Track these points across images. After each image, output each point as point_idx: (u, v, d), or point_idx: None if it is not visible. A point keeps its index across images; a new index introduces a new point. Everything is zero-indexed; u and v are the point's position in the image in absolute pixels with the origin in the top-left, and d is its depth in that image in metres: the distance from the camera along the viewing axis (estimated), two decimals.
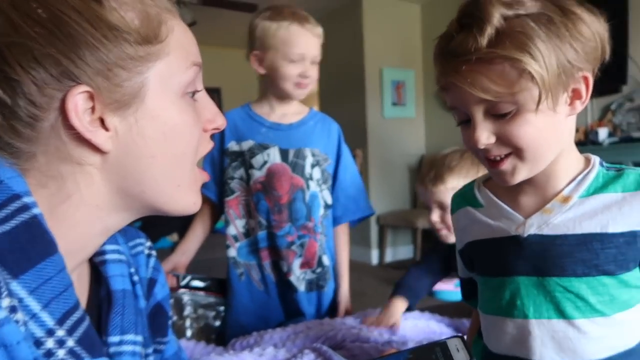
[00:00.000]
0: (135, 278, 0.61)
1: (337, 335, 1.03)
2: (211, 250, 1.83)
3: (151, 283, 0.66)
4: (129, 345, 0.55)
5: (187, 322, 1.39)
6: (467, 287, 0.87)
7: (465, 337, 0.58)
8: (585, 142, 2.90)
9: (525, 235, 0.68)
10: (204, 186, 1.47)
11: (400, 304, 1.24)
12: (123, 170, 0.49)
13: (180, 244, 1.50)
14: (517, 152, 0.64)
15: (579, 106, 0.65)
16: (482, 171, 1.14)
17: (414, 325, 1.21)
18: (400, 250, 4.38)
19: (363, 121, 4.26)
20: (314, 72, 1.32)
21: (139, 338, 0.57)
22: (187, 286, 1.43)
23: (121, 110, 0.48)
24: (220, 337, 1.40)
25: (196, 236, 1.47)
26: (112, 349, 0.54)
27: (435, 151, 4.26)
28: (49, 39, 0.43)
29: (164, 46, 0.50)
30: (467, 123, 0.67)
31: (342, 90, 4.47)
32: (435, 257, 1.33)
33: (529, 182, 0.69)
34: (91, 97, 0.46)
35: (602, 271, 0.64)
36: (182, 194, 0.54)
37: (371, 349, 1.01)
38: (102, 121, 0.47)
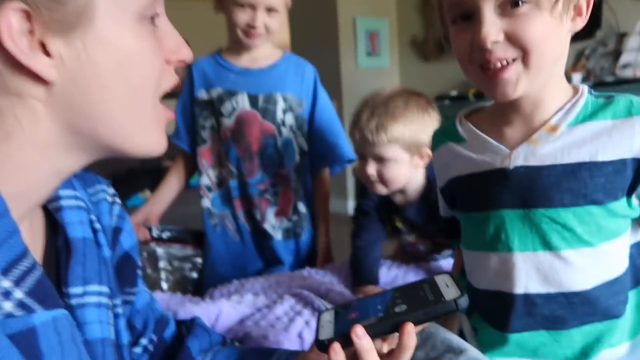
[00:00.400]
0: (97, 226, 0.56)
1: (320, 288, 1.01)
2: (187, 205, 1.78)
3: (116, 232, 0.61)
4: (93, 297, 0.50)
5: (163, 275, 1.36)
6: (449, 227, 0.85)
7: (452, 274, 0.55)
8: None
9: (511, 167, 0.65)
10: (177, 137, 1.40)
11: (370, 288, 1.18)
12: (72, 104, 0.43)
13: (152, 195, 1.44)
14: (524, 55, 0.59)
15: (579, 24, 0.62)
16: (428, 119, 1.08)
17: (394, 275, 1.21)
18: None
19: (337, 72, 4.16)
20: (270, 21, 1.22)
21: (104, 289, 0.52)
22: (160, 238, 1.39)
23: (65, 33, 0.41)
24: (198, 288, 1.38)
25: (169, 187, 1.42)
26: (74, 301, 0.49)
27: None
28: None
29: None
30: (465, 21, 0.61)
31: (315, 40, 4.33)
32: (372, 223, 1.24)
33: (515, 111, 0.66)
34: (28, 16, 0.39)
35: (590, 200, 0.62)
36: (144, 133, 0.49)
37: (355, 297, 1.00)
38: (43, 46, 0.41)
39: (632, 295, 0.67)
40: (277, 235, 1.37)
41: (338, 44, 4.16)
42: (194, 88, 1.34)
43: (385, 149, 1.04)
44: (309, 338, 0.68)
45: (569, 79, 2.99)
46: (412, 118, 1.05)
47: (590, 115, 0.63)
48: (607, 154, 0.61)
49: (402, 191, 1.14)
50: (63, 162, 0.46)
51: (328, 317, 0.52)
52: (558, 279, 0.64)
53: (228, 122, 1.31)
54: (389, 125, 1.03)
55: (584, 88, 0.66)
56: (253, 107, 1.30)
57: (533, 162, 0.64)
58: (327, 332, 0.49)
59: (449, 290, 0.48)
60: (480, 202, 0.70)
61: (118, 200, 0.65)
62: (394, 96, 1.08)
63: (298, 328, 0.70)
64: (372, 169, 1.06)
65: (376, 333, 0.48)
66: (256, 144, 1.32)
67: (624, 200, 0.64)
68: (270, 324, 0.72)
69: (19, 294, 0.39)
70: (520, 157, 0.65)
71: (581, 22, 0.62)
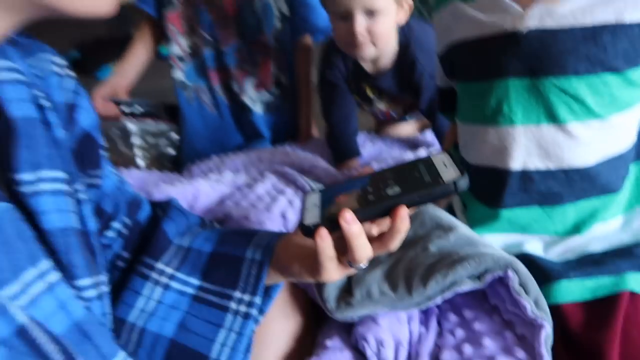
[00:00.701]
0: (45, 103, 0.47)
1: (304, 164, 0.96)
2: (158, 77, 1.64)
3: (71, 109, 0.53)
4: (47, 184, 0.44)
5: (138, 152, 1.29)
6: (446, 98, 0.78)
7: (451, 152, 0.50)
8: None
9: (524, 30, 0.57)
10: (142, 0, 1.24)
11: (354, 162, 1.15)
12: None
13: (117, 66, 1.31)
14: None
15: None
16: None
17: (379, 149, 1.16)
18: None
19: None
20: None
21: (60, 174, 0.46)
22: (131, 114, 1.29)
23: None
24: (176, 166, 1.33)
25: (136, 56, 1.29)
26: (26, 188, 0.42)
27: None
28: None
29: None
30: None
31: None
32: (342, 96, 1.15)
33: None
34: None
35: (607, 67, 0.56)
36: None
37: (340, 175, 0.95)
38: None
39: (632, 168, 0.64)
40: (257, 109, 1.29)
41: None
42: None
43: None
44: (292, 218, 0.65)
45: None
46: None
47: None
48: (635, 13, 0.53)
49: (374, 58, 1.06)
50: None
51: (313, 200, 0.47)
52: (560, 155, 0.60)
53: None
54: None
55: None
56: None
57: (549, 23, 0.56)
58: (312, 217, 0.45)
59: (447, 170, 0.43)
60: (484, 70, 0.63)
61: (70, 72, 0.55)
62: None
63: (281, 207, 0.66)
64: (361, 25, 0.96)
65: (366, 217, 0.43)
66: (231, 8, 1.17)
67: None
68: (252, 203, 0.68)
69: None
70: (536, 18, 0.57)
71: None
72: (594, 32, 0.55)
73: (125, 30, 3.64)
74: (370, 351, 0.53)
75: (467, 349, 0.51)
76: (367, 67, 1.09)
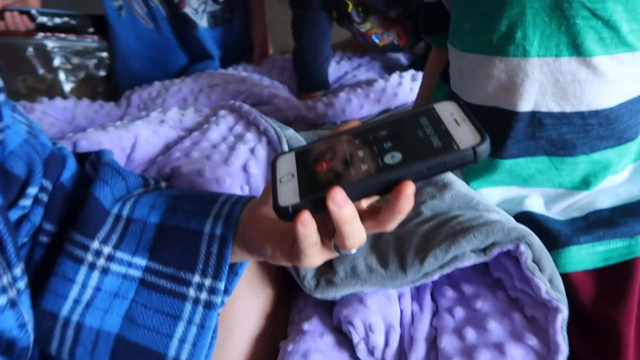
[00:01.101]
0: None
1: (263, 92, 0.81)
2: None
3: None
4: None
5: (61, 76, 1.09)
6: (432, 15, 0.65)
7: (462, 101, 0.38)
8: None
9: None
10: None
11: (318, 95, 0.99)
12: None
13: None
14: None
15: None
16: None
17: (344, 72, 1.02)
18: None
19: None
20: None
21: None
22: (49, 27, 1.07)
23: None
24: (110, 91, 1.14)
25: None
26: None
27: None
28: None
29: None
30: None
31: None
32: (316, 12, 0.97)
33: None
34: None
35: None
36: None
37: (303, 106, 0.82)
38: None
39: None
40: (202, 22, 1.09)
41: None
42: None
43: None
44: (256, 172, 0.53)
45: None
46: None
47: None
48: None
49: None
50: None
51: (287, 166, 0.35)
52: (580, 95, 0.49)
53: None
54: None
55: None
56: None
57: None
58: (289, 193, 0.33)
59: (462, 130, 0.32)
60: None
61: None
62: None
63: (242, 159, 0.54)
64: None
65: (360, 195, 0.32)
66: None
67: None
68: (205, 154, 0.55)
69: None
70: None
71: None
72: None
73: None
74: (357, 337, 0.45)
75: (470, 333, 0.44)
76: None
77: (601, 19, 0.46)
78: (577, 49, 0.48)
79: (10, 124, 0.45)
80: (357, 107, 0.85)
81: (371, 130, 0.34)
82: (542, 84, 0.50)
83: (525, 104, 0.51)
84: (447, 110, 0.34)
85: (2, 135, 0.43)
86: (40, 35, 1.05)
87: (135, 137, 0.59)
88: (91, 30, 1.11)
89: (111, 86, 1.15)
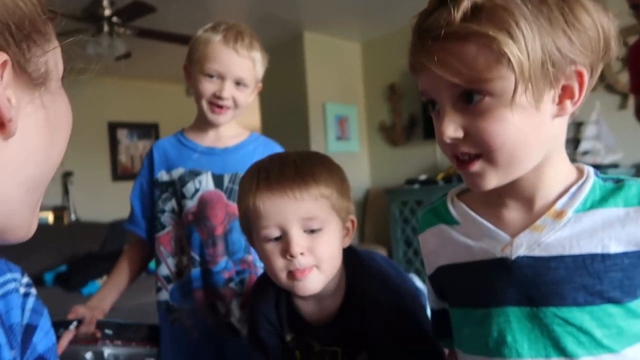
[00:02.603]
0: None
1: None
2: (146, 294, 1.60)
3: (28, 330, 0.52)
4: None
5: None
6: (441, 322, 0.74)
7: None
8: None
9: (514, 257, 0.58)
10: (132, 223, 1.28)
11: None
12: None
13: (99, 291, 1.28)
14: (488, 154, 0.54)
15: (570, 107, 0.55)
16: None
17: None
18: None
19: None
20: (238, 95, 1.16)
21: None
22: (112, 336, 1.21)
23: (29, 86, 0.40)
24: None
25: (116, 284, 1.26)
26: None
27: (380, 185, 4.23)
28: None
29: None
30: (436, 110, 0.57)
31: (286, 124, 4.40)
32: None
33: (512, 193, 0.59)
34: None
35: (607, 299, 0.54)
36: (36, 208, 0.45)
37: None
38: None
39: None
40: (245, 331, 1.22)
41: (309, 128, 4.24)
42: (153, 169, 1.25)
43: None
44: None
45: None
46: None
47: (600, 201, 0.57)
48: (620, 245, 0.54)
49: (317, 296, 0.80)
50: None
51: None
52: None
53: (190, 204, 1.21)
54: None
55: (590, 170, 0.60)
56: (218, 187, 1.21)
57: (538, 252, 0.57)
58: None
59: None
60: (479, 297, 0.62)
61: (33, 291, 0.56)
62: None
63: None
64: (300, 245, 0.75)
65: None
66: (221, 227, 1.21)
67: None
68: None
69: None
70: (524, 246, 0.58)
71: (572, 106, 0.55)
72: (584, 260, 0.55)
73: (117, 246, 3.73)
74: None
75: None
76: (306, 309, 0.85)
77: (574, 326, 0.55)
78: (562, 351, 0.55)
79: None
80: None
81: None
82: None
83: None
84: None
85: None
86: (100, 343, 1.18)
87: None
88: (149, 338, 1.24)
89: None
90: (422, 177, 3.57)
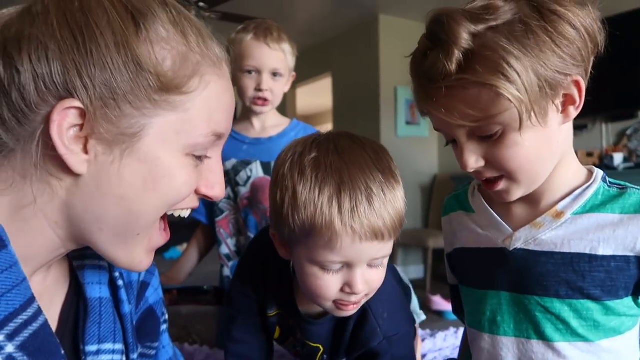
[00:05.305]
0: (120, 282, 0.58)
1: None
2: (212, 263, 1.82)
3: (143, 286, 0.64)
4: (107, 355, 0.53)
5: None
6: (457, 297, 0.80)
7: None
8: (600, 166, 2.84)
9: (511, 248, 0.65)
10: (195, 211, 1.46)
11: None
12: (86, 199, 0.45)
13: (174, 265, 1.50)
14: (509, 175, 0.60)
15: (573, 112, 0.59)
16: None
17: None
18: (411, 270, 4.31)
19: (377, 139, 4.23)
20: (275, 85, 1.29)
21: (118, 346, 0.55)
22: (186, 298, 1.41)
23: (109, 144, 0.44)
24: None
25: (189, 260, 1.49)
26: (89, 359, 0.52)
27: (448, 171, 4.22)
28: (70, 45, 0.41)
29: (186, 100, 0.46)
30: (456, 143, 0.62)
31: (357, 108, 4.46)
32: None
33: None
34: (83, 115, 0.43)
35: (586, 295, 0.60)
36: (126, 250, 0.49)
37: None
38: (85, 141, 0.44)
39: None
40: None
41: (379, 112, 4.25)
42: None
43: None
44: None
45: (610, 158, 2.90)
46: None
47: (599, 205, 0.61)
48: (609, 248, 0.59)
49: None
50: (68, 244, 0.49)
51: None
52: None
53: (244, 190, 1.37)
54: None
55: (598, 174, 0.64)
56: (266, 173, 1.36)
57: (533, 246, 0.63)
58: None
59: None
60: (480, 279, 0.70)
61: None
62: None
63: None
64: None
65: None
66: None
67: (628, 300, 0.61)
68: None
69: (10, 348, 0.40)
70: (521, 240, 0.64)
71: (575, 111, 0.59)
72: (571, 259, 0.60)
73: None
74: None
75: None
76: (303, 306, 0.83)
77: (553, 314, 0.62)
78: (541, 335, 0.63)
79: (165, 345, 0.67)
80: None
81: None
82: (519, 359, 0.64)
83: None
84: None
85: (156, 352, 0.65)
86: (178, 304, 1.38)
87: None
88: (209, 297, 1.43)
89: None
90: None
